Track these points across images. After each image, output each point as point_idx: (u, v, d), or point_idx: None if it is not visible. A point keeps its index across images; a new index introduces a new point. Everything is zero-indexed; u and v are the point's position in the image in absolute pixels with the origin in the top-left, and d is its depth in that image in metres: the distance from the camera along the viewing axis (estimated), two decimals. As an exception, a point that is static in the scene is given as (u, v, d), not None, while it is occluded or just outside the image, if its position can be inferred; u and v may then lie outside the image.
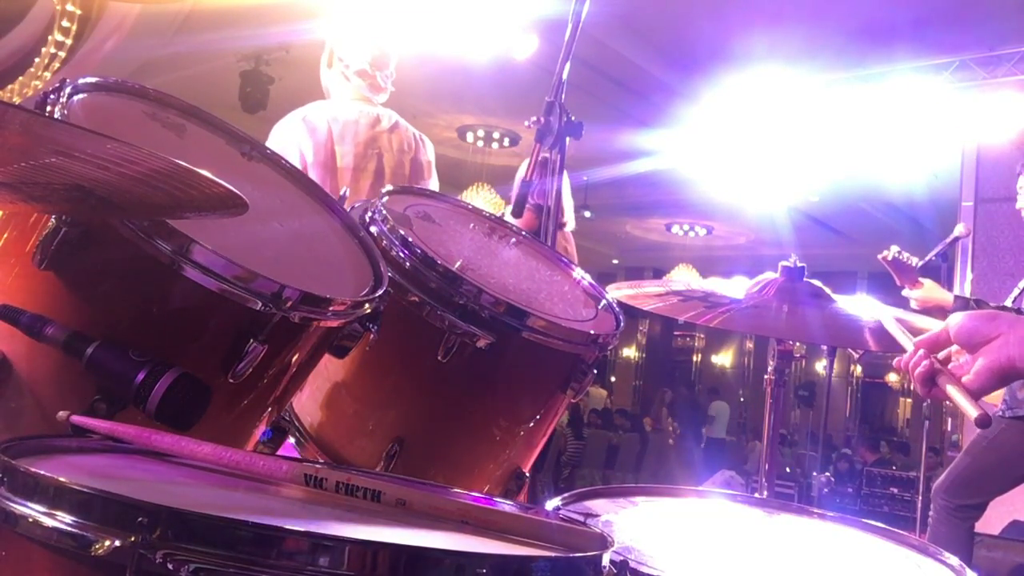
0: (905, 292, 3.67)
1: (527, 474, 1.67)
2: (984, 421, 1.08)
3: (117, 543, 0.70)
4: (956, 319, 1.15)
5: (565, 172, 3.59)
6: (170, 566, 0.68)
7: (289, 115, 3.21)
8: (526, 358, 1.54)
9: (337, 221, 1.50)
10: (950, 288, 5.63)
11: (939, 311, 3.36)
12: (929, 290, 3.61)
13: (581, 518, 1.09)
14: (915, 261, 3.71)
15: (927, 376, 1.16)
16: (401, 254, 1.47)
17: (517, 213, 2.26)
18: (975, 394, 1.12)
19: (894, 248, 3.73)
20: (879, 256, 3.75)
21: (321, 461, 1.47)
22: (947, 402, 1.15)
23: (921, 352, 1.18)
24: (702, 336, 18.45)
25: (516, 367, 1.55)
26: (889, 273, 3.88)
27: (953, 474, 3.78)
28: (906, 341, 1.27)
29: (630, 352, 18.07)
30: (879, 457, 11.45)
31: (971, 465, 3.75)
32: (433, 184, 3.42)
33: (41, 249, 1.10)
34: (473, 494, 1.19)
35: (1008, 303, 3.65)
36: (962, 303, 3.46)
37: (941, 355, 1.18)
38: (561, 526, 0.99)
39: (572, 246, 4.11)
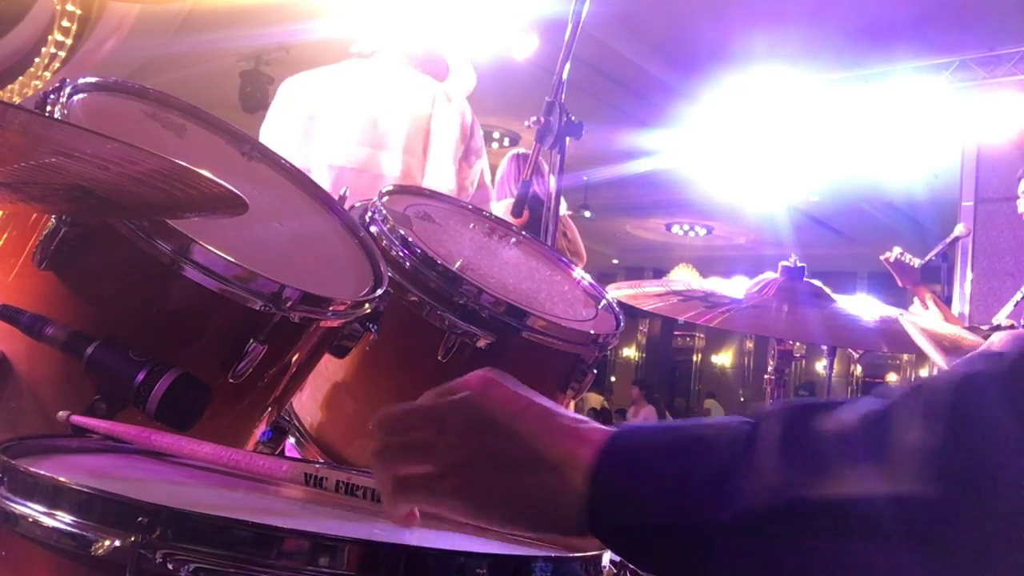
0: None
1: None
2: None
3: (117, 543, 0.69)
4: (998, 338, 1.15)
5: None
6: (170, 566, 0.68)
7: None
8: (526, 358, 1.53)
9: (337, 221, 1.50)
10: (950, 288, 5.64)
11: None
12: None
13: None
14: (916, 262, 3.72)
15: None
16: (401, 254, 1.46)
17: (517, 213, 2.26)
18: None
19: (896, 249, 3.74)
20: (881, 257, 3.76)
21: (321, 461, 1.47)
22: None
23: None
24: (702, 336, 18.43)
25: (516, 367, 1.54)
26: (889, 273, 3.89)
27: None
28: (938, 359, 1.27)
29: (630, 352, 18.07)
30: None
31: None
32: None
33: (41, 249, 1.10)
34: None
35: (1008, 308, 3.64)
36: None
37: None
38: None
39: (572, 230, 4.09)
